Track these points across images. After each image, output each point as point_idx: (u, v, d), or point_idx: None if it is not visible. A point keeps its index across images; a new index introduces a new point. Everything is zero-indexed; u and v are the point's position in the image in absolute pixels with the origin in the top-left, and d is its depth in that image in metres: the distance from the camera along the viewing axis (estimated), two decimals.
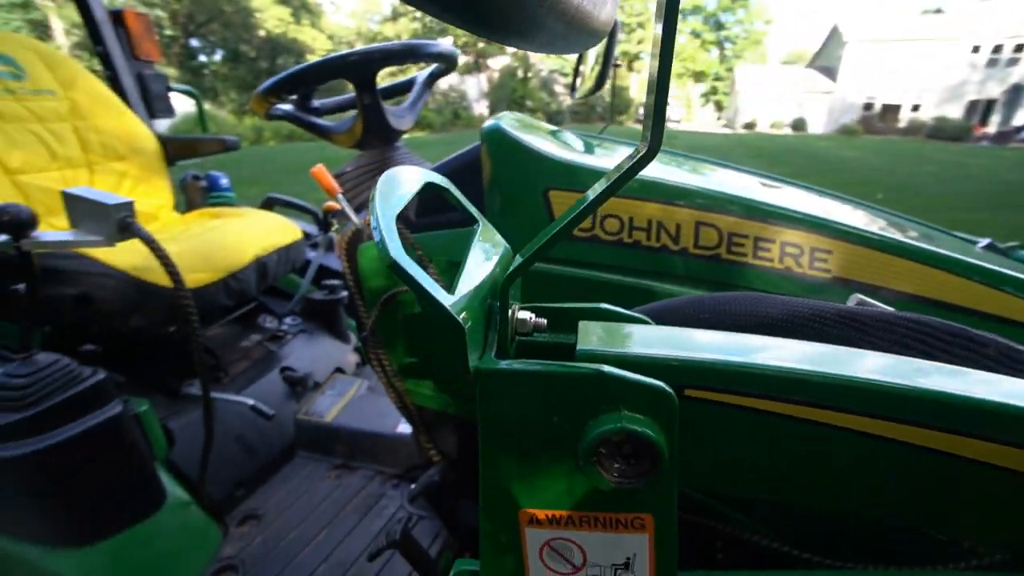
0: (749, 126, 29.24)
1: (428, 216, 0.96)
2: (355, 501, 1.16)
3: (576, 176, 0.79)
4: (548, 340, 0.46)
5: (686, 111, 39.06)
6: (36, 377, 0.81)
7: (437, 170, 0.96)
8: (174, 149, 1.55)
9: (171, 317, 1.11)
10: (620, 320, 0.45)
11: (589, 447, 0.36)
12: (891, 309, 0.51)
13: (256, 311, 1.53)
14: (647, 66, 0.28)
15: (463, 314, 0.36)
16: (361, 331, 1.07)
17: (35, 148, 1.23)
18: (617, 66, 1.53)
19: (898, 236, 0.76)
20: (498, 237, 0.49)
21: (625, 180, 0.34)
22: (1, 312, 1.00)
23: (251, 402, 1.21)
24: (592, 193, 0.36)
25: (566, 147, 0.90)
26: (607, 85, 1.54)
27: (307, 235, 1.65)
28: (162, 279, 1.06)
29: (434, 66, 1.17)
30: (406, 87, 1.21)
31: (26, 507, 0.81)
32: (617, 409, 0.37)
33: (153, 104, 1.72)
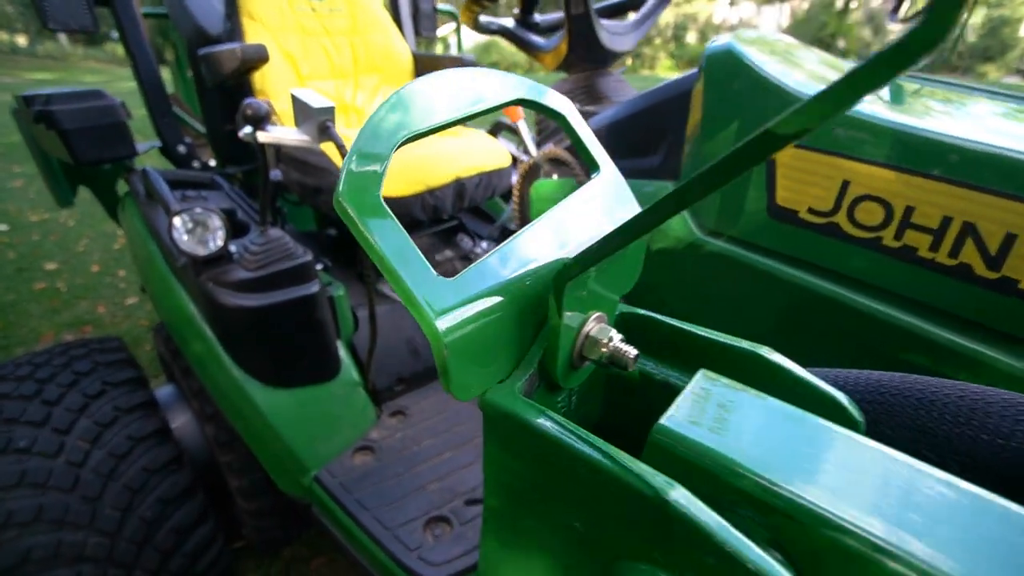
0: None
1: (617, 159, 0.79)
2: None
3: (829, 124, 0.50)
4: (651, 372, 0.29)
5: None
6: (266, 247, 0.99)
7: (638, 101, 0.76)
8: (422, 65, 1.67)
9: None
10: (784, 382, 0.25)
11: None
12: None
13: (456, 229, 1.62)
14: None
15: (461, 312, 0.23)
16: None
17: (320, 58, 1.47)
18: None
19: None
20: (626, 195, 0.31)
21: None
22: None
23: None
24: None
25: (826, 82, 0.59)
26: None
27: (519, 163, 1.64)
28: None
29: None
30: (638, 2, 0.99)
31: (248, 347, 1.04)
32: (652, 560, 0.19)
33: (420, 22, 1.88)
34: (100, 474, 1.00)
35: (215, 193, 1.25)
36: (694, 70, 0.68)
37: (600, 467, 0.19)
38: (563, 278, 0.22)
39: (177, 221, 0.90)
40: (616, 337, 0.25)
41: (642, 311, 0.29)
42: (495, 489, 0.26)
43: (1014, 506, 0.17)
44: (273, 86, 1.35)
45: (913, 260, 0.45)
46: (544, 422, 0.21)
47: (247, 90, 1.36)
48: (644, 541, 0.18)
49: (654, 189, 0.69)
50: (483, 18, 0.99)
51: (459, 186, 1.32)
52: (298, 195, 1.28)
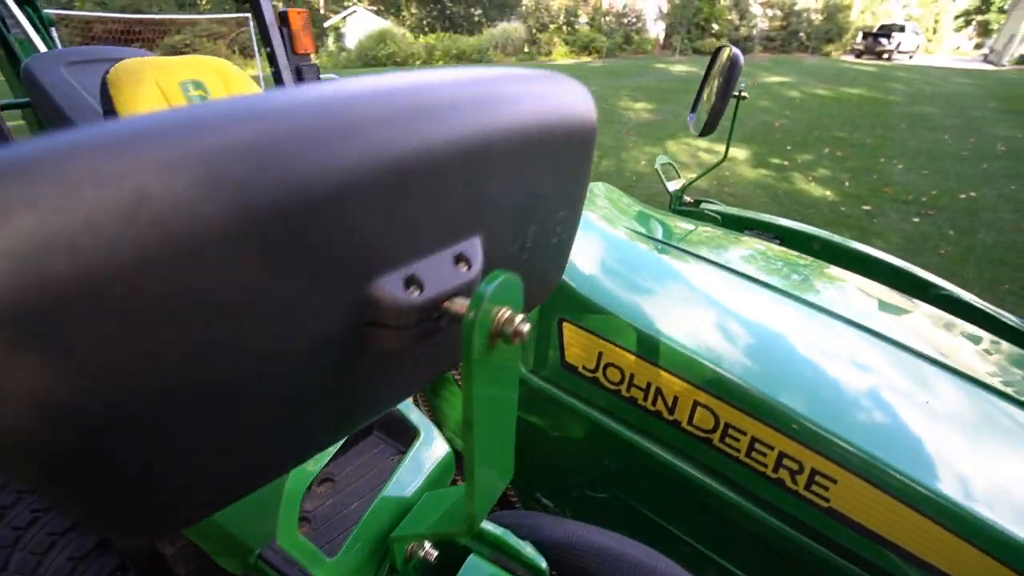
0: None
1: None
2: None
3: (591, 315, 0.76)
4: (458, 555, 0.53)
5: (929, 38, 29.58)
6: None
7: None
8: None
9: None
10: (508, 549, 0.49)
11: None
12: None
13: None
14: None
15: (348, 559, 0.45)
16: None
17: None
18: (741, 98, 1.33)
19: (934, 487, 0.57)
20: (440, 448, 0.55)
21: None
22: None
23: None
24: None
25: (614, 266, 0.85)
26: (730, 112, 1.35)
27: None
28: None
29: None
30: None
31: None
32: None
33: None
34: None
35: None
36: None
37: None
38: (394, 554, 0.45)
39: None
40: (424, 549, 0.49)
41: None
42: None
43: None
44: None
45: (635, 405, 0.75)
46: None
47: None
48: None
49: None
50: None
51: None
52: None
